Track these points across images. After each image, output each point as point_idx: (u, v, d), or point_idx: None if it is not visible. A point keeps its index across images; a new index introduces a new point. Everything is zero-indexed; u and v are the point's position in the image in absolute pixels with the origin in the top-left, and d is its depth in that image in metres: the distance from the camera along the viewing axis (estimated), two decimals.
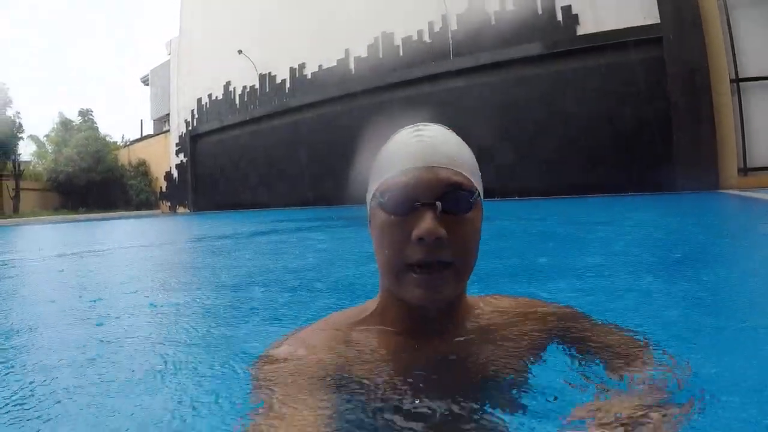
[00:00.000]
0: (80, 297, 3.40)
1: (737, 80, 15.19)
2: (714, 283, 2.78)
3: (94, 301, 3.07)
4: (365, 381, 0.91)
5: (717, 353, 1.45)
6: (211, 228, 12.42)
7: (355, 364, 0.94)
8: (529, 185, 17.25)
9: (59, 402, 1.38)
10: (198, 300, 3.01)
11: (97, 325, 2.35)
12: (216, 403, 1.28)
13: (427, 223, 0.85)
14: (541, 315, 1.13)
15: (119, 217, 28.61)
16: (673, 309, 2.14)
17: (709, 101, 14.95)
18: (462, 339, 1.01)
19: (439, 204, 0.87)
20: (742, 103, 15.16)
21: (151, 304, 2.82)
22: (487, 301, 1.15)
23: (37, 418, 1.28)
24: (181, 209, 34.19)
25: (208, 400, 1.31)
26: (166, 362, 1.70)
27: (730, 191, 13.19)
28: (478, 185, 0.96)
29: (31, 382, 1.53)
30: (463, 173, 0.93)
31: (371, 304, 1.06)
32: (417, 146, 0.92)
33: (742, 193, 11.66)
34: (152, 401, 1.36)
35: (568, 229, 7.05)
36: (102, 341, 2.03)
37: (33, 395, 1.42)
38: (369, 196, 0.99)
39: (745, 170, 15.01)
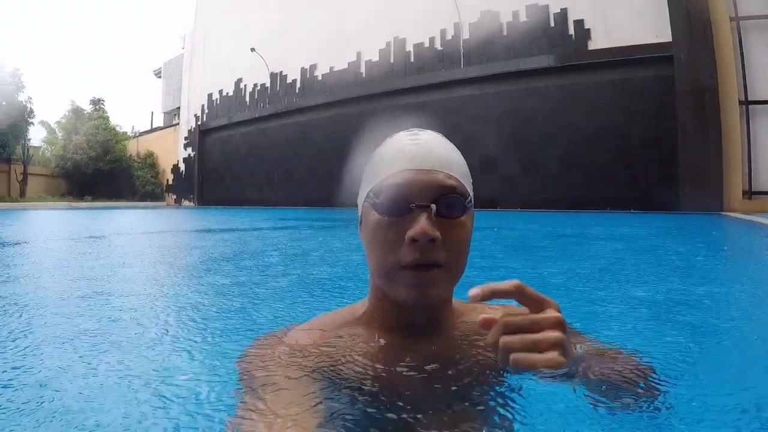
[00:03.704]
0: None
1: (746, 103, 15.15)
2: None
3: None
4: (352, 381, 0.92)
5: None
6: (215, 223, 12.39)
7: (342, 363, 0.94)
8: (532, 197, 17.27)
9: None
10: (191, 294, 3.01)
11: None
12: (201, 400, 1.27)
13: (421, 224, 0.85)
14: None
15: (124, 207, 28.66)
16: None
17: (717, 122, 14.87)
18: (449, 342, 1.01)
19: (433, 206, 0.88)
20: (750, 126, 15.11)
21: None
22: (473, 306, 1.15)
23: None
24: (186, 203, 34.33)
25: (192, 397, 1.29)
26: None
27: (734, 214, 13.07)
28: (470, 191, 0.96)
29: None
30: (457, 177, 0.93)
31: (360, 306, 1.07)
32: (412, 149, 0.93)
33: (747, 217, 11.53)
34: (135, 398, 1.34)
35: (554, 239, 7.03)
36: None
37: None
38: (361, 197, 0.99)
39: (749, 194, 14.93)
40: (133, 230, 9.81)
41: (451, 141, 0.98)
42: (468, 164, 0.98)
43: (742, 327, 2.17)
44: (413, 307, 0.93)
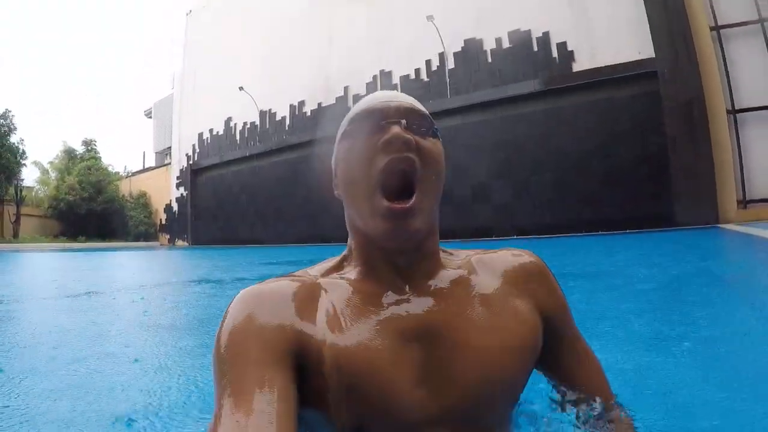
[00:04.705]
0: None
1: (734, 111, 15.22)
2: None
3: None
4: (325, 342, 0.84)
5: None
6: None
7: (317, 320, 0.87)
8: (526, 224, 17.21)
9: None
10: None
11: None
12: None
13: (394, 128, 0.87)
14: (532, 280, 1.02)
15: (118, 249, 28.48)
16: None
17: (706, 134, 14.89)
18: (434, 292, 0.93)
19: (403, 121, 0.89)
20: (740, 134, 15.16)
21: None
22: (466, 252, 1.08)
23: None
24: (180, 242, 34.30)
25: None
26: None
27: (730, 226, 12.93)
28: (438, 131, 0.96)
29: None
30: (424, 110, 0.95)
31: (340, 258, 1.01)
32: (378, 93, 0.97)
33: (742, 229, 11.29)
34: None
35: None
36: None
37: None
38: (335, 152, 0.99)
39: (744, 203, 14.90)
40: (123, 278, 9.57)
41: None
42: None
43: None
44: (393, 243, 0.89)
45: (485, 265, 1.01)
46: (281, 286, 0.89)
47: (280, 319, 0.83)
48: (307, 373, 0.82)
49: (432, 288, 0.93)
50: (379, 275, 0.93)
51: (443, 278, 0.95)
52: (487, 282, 0.97)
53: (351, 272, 0.95)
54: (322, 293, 0.91)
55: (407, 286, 0.92)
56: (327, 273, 0.97)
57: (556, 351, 1.01)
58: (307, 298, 0.89)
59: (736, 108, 15.29)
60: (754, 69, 15.15)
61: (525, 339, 0.92)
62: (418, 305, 0.90)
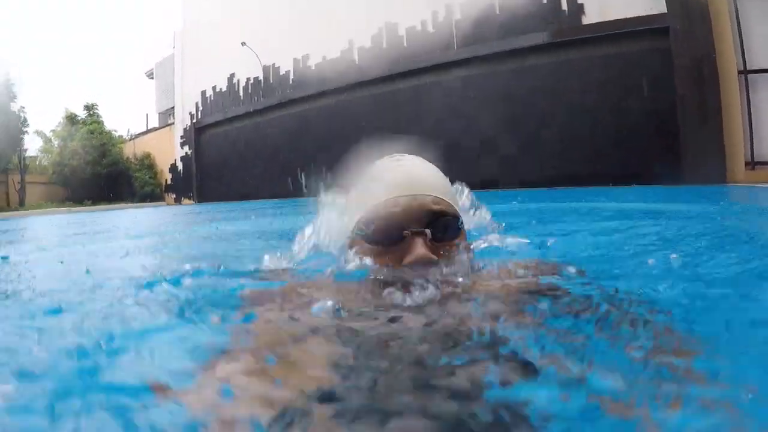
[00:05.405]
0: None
1: (745, 72, 14.91)
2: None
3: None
4: (355, 336, 0.84)
5: None
6: None
7: (346, 309, 0.88)
8: (531, 175, 17.10)
9: None
10: None
11: None
12: None
13: (419, 248, 0.85)
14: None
15: (122, 209, 28.53)
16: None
17: (716, 93, 14.65)
18: (454, 295, 0.91)
19: (428, 231, 0.88)
20: (750, 95, 14.88)
21: None
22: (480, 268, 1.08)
23: None
24: (186, 201, 34.36)
25: None
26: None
27: (738, 185, 12.87)
28: (459, 211, 0.96)
29: None
30: (446, 200, 0.93)
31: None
32: (399, 176, 0.93)
33: (755, 185, 11.24)
34: None
35: None
36: None
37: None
38: (347, 229, 0.99)
39: (752, 164, 14.74)
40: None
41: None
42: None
43: None
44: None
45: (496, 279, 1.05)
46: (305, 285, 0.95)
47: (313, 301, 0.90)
48: None
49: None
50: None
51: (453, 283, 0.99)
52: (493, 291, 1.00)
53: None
54: (344, 290, 0.95)
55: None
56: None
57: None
58: (331, 294, 0.92)
59: (748, 68, 14.97)
60: (767, 29, 14.79)
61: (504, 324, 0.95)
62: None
